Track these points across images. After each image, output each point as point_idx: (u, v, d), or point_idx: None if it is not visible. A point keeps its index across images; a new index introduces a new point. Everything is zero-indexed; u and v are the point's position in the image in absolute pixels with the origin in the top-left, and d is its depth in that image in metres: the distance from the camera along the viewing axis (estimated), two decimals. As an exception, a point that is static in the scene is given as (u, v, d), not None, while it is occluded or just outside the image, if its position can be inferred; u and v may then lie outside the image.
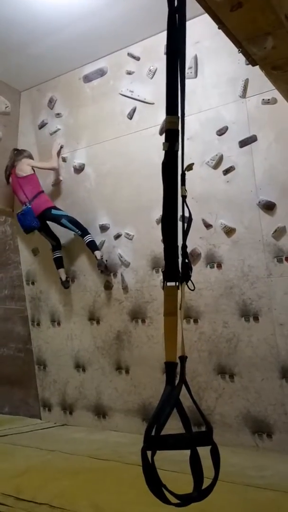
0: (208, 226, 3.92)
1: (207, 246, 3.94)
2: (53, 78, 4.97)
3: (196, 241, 3.91)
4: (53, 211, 4.63)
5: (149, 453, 1.31)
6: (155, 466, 1.30)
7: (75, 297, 4.79)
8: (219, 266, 3.88)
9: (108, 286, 4.54)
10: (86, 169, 4.75)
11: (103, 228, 4.59)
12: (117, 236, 4.50)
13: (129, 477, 2.74)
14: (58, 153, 4.90)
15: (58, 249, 4.81)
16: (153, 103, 4.29)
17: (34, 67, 4.77)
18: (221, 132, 3.89)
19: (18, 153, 4.87)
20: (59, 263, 4.78)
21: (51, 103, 5.00)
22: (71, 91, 4.86)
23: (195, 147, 3.90)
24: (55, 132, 4.98)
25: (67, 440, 4.01)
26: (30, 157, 4.90)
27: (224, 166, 3.87)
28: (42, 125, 5.09)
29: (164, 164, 1.49)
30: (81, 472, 2.98)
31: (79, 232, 4.59)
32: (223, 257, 3.86)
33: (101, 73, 4.64)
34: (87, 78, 4.73)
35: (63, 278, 4.75)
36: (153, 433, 1.33)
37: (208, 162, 3.93)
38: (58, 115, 4.96)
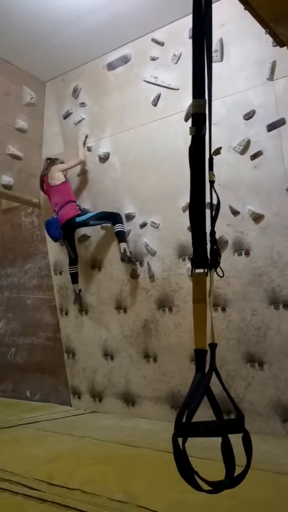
0: (235, 213, 3.86)
1: (234, 234, 3.89)
2: (77, 67, 4.97)
3: (223, 228, 3.86)
4: (77, 219, 4.62)
5: (180, 440, 1.31)
6: (187, 453, 1.30)
7: (102, 287, 4.82)
8: (247, 253, 3.83)
9: (134, 275, 4.55)
10: (111, 158, 4.75)
11: (129, 217, 4.58)
12: (143, 225, 4.49)
13: (160, 464, 2.77)
14: (84, 143, 4.91)
15: (75, 264, 4.91)
16: (178, 89, 4.23)
17: (58, 56, 4.78)
18: (248, 116, 3.81)
19: (51, 162, 4.86)
20: (74, 278, 4.90)
21: (76, 92, 5.00)
22: (95, 79, 4.84)
23: (221, 132, 3.83)
24: (79, 121, 4.99)
25: (97, 427, 4.06)
26: (62, 163, 4.87)
27: (251, 151, 3.80)
28: (67, 115, 5.10)
29: (191, 149, 1.47)
30: (112, 458, 3.02)
31: (110, 222, 4.60)
32: (251, 244, 3.81)
33: (125, 60, 4.60)
34: (111, 66, 4.70)
35: (77, 291, 4.88)
36: (183, 420, 1.32)
37: (235, 147, 3.86)
38: (82, 104, 4.95)
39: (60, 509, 2.16)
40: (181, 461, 1.31)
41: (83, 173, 4.95)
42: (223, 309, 3.92)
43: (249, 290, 3.80)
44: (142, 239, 4.48)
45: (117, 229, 4.53)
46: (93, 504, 2.18)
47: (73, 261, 4.90)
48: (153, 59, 4.39)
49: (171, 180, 4.20)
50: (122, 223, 4.56)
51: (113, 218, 4.58)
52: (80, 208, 4.81)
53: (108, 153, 4.75)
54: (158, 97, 4.36)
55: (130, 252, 4.50)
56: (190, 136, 1.47)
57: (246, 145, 3.82)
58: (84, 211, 4.75)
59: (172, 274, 4.28)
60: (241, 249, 3.85)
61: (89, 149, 4.91)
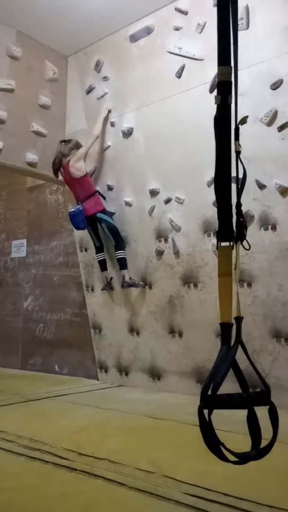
0: (261, 186, 3.78)
1: (261, 208, 3.81)
2: (99, 40, 4.88)
3: (249, 202, 3.79)
4: (98, 215, 4.67)
5: (206, 411, 1.32)
6: (212, 424, 1.31)
7: (127, 263, 4.83)
8: (274, 228, 3.76)
9: (159, 252, 4.54)
10: (134, 133, 4.69)
11: (153, 193, 4.55)
12: (168, 201, 4.45)
13: (185, 436, 2.81)
14: (106, 118, 4.85)
15: (101, 252, 4.92)
16: (202, 59, 4.12)
17: (79, 30, 4.70)
18: (275, 86, 3.69)
19: (65, 145, 4.73)
20: (103, 265, 4.92)
21: (98, 66, 4.93)
22: (118, 52, 4.76)
23: (247, 103, 3.71)
24: (102, 96, 4.93)
25: (123, 400, 4.14)
26: (77, 146, 4.76)
27: (279, 122, 3.68)
28: (89, 90, 5.04)
29: (217, 119, 1.42)
30: (138, 430, 3.07)
31: (114, 242, 4.70)
32: (278, 218, 3.73)
33: (148, 31, 4.49)
34: (134, 38, 4.60)
35: (108, 279, 4.90)
36: (209, 393, 1.33)
37: (261, 118, 3.75)
38: (105, 78, 4.89)
39: (88, 477, 2.22)
40: (207, 433, 1.32)
41: (106, 149, 4.92)
42: (249, 285, 3.89)
43: (276, 265, 3.75)
44: (167, 215, 4.45)
45: (118, 256, 4.67)
46: (120, 473, 2.23)
47: (98, 249, 4.93)
48: (177, 29, 4.27)
49: (196, 155, 4.13)
50: (124, 249, 4.68)
51: (118, 241, 4.68)
52: (103, 198, 4.82)
53: (132, 128, 4.69)
54: (182, 68, 4.26)
55: (130, 278, 4.61)
56: (215, 106, 1.43)
57: (273, 116, 3.70)
58: (107, 212, 4.75)
59: (197, 250, 4.25)
60: (268, 223, 3.78)
61: (112, 124, 4.86)
